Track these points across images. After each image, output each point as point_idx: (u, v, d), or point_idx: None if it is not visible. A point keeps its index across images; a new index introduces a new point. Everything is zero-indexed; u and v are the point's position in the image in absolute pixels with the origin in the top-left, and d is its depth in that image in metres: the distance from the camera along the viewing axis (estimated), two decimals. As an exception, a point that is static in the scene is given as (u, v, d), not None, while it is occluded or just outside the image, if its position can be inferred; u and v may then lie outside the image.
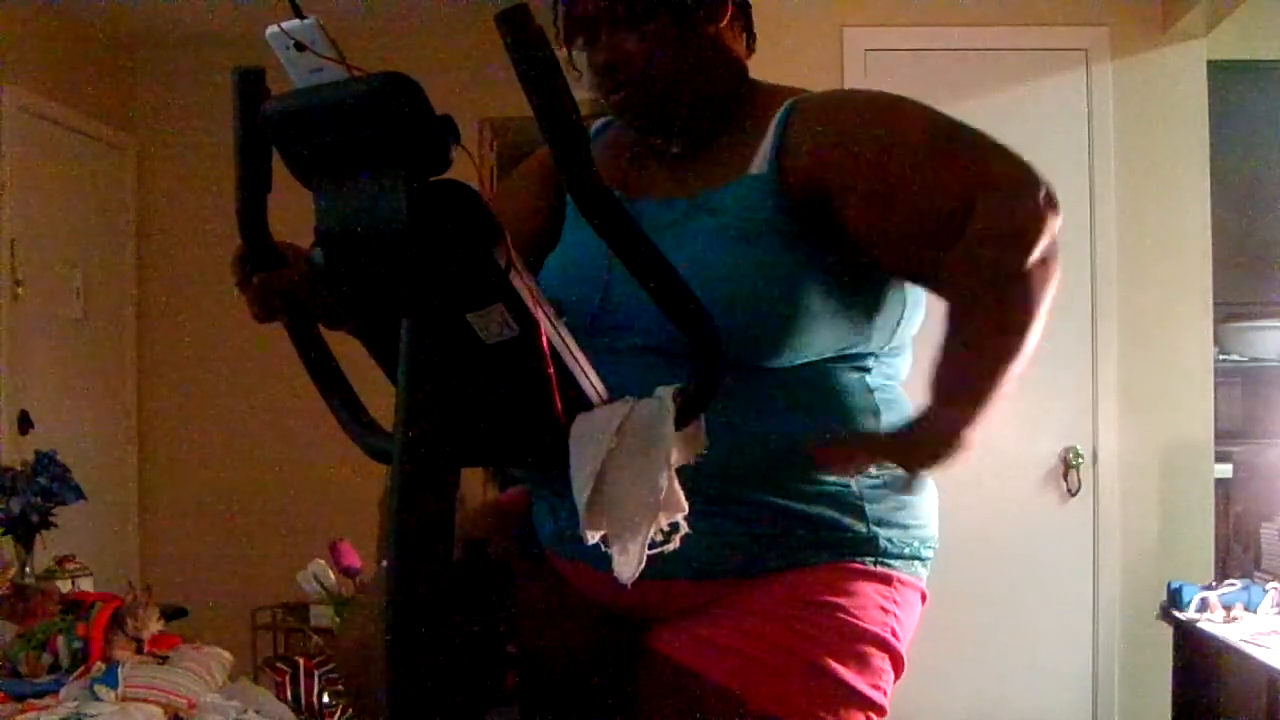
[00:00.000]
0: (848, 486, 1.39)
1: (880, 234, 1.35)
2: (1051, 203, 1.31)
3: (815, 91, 1.47)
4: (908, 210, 1.34)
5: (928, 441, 1.33)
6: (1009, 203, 1.31)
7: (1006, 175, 1.32)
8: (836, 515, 1.38)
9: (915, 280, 1.42)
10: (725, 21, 1.46)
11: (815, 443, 1.33)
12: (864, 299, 1.41)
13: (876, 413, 1.41)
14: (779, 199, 1.37)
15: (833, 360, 1.40)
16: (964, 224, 1.30)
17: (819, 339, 1.37)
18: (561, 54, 1.08)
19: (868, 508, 1.40)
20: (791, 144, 1.39)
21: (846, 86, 3.64)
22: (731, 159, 1.43)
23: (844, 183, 1.36)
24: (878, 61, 3.79)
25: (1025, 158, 1.34)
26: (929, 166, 1.34)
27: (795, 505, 1.37)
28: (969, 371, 1.32)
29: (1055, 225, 1.32)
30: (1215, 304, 3.83)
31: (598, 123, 1.62)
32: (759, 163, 1.40)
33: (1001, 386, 1.31)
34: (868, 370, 1.43)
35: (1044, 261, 1.30)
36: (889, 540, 1.41)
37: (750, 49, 1.52)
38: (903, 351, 1.49)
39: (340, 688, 3.36)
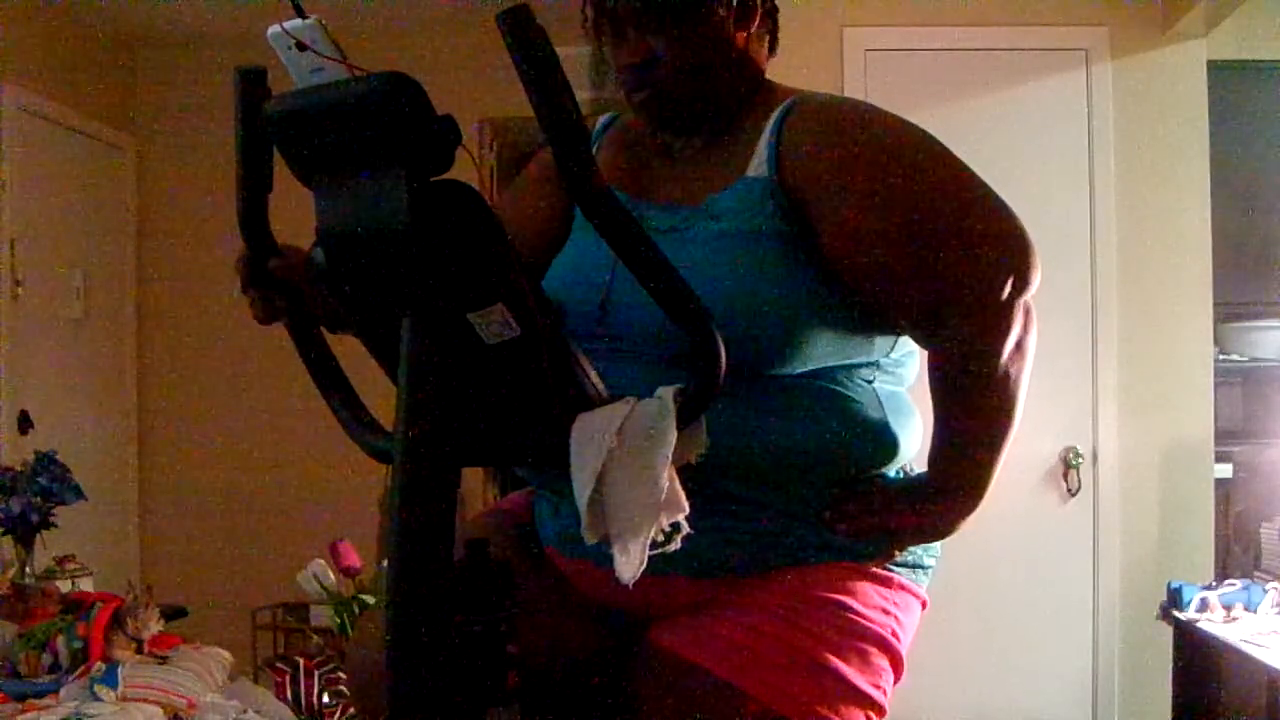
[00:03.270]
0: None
1: (845, 267, 1.35)
2: (1024, 280, 1.32)
3: (815, 93, 1.45)
4: (872, 268, 1.34)
5: (931, 530, 1.43)
6: (973, 316, 1.32)
7: (970, 275, 1.32)
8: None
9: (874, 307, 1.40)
10: (753, 28, 1.45)
11: (833, 515, 1.38)
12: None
13: (883, 420, 1.41)
14: (778, 202, 1.36)
15: (837, 366, 1.39)
16: (930, 316, 1.34)
17: (822, 347, 1.36)
18: (565, 52, 1.07)
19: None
20: (787, 146, 1.37)
21: (846, 87, 3.65)
22: (732, 160, 1.41)
23: (821, 204, 1.35)
24: (878, 61, 3.78)
25: (1007, 217, 1.32)
26: (900, 248, 1.33)
27: (797, 505, 1.37)
28: (965, 468, 1.40)
29: (1029, 292, 1.34)
30: (1215, 304, 3.83)
31: (601, 119, 1.61)
32: (757, 164, 1.38)
33: (997, 465, 1.40)
34: (873, 378, 1.43)
35: (1018, 346, 1.34)
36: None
37: (772, 52, 1.51)
38: (910, 358, 1.48)
39: (342, 689, 3.36)
